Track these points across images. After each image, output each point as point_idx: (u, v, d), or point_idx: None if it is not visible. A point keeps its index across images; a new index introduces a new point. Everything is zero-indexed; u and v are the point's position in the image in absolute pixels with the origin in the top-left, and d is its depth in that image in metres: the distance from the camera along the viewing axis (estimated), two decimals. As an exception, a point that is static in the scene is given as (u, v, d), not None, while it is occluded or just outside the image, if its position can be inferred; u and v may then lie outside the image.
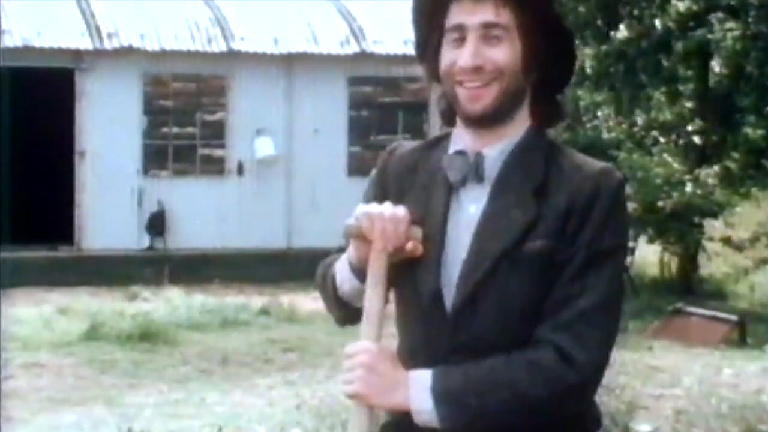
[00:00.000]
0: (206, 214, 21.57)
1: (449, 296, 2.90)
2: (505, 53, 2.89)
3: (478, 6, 2.89)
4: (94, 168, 21.65)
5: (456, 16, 2.91)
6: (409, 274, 2.97)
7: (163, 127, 22.31)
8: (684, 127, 20.15)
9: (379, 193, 3.06)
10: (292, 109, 22.40)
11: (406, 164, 3.06)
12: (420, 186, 3.01)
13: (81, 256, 21.27)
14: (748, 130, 20.11)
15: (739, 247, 20.07)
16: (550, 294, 2.84)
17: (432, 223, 2.94)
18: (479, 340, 2.86)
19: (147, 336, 14.29)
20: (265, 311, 16.80)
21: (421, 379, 2.85)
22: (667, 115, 20.81)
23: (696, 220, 18.99)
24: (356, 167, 22.50)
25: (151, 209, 21.63)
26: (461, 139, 2.97)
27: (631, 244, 20.20)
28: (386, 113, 23.10)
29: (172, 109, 22.44)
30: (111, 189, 21.49)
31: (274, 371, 12.72)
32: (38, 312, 16.16)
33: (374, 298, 2.91)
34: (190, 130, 22.45)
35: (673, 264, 19.42)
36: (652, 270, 19.84)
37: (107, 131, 21.51)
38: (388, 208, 2.91)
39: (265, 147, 22.00)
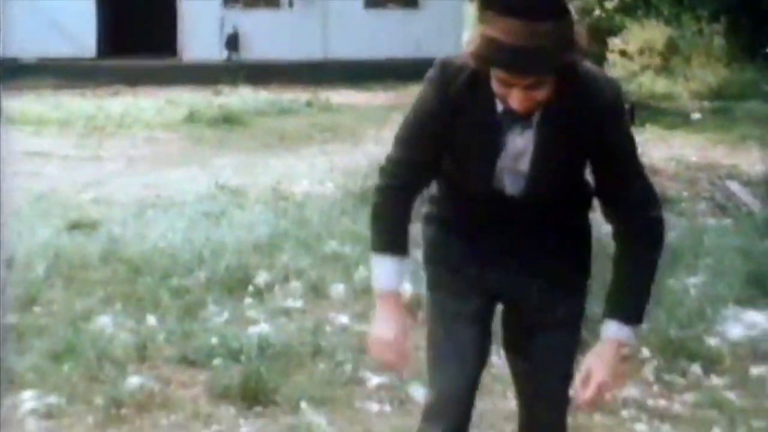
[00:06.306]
0: (268, 34, 21.48)
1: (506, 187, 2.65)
2: (546, 90, 2.48)
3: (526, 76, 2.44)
4: (190, 4, 21.53)
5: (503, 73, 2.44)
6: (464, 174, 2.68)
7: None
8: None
9: (439, 108, 2.61)
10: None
11: (460, 94, 2.58)
12: (472, 120, 2.59)
13: (182, 64, 21.30)
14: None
15: (631, 57, 20.00)
16: (610, 178, 2.62)
17: (487, 149, 2.61)
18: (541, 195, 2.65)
19: (228, 120, 14.40)
20: (309, 103, 16.87)
21: (617, 329, 2.65)
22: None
23: (602, 37, 18.81)
24: (372, 1, 22.25)
25: (228, 31, 21.57)
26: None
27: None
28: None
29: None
30: (202, 18, 21.40)
31: (315, 144, 12.81)
32: (154, 103, 16.28)
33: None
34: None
35: (588, 70, 19.35)
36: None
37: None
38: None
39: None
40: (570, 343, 2.85)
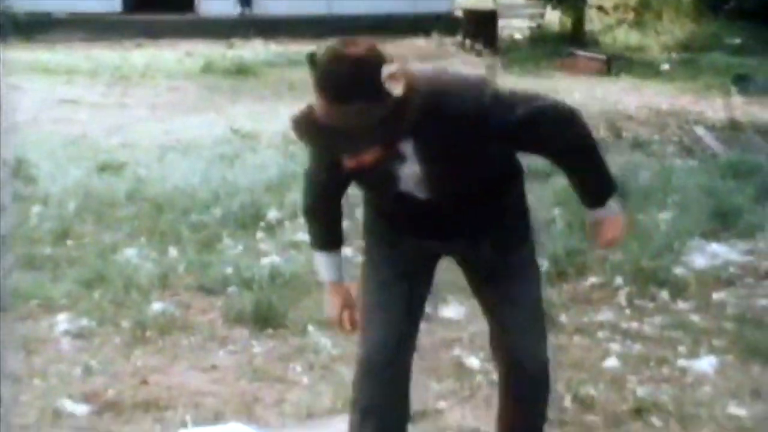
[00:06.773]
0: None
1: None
2: (372, 153, 2.33)
3: None
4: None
5: None
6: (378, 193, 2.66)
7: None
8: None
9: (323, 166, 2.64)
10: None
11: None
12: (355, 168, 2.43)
13: (200, 19, 21.11)
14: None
15: (607, 12, 19.84)
16: (530, 142, 2.50)
17: (381, 185, 2.55)
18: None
19: (241, 70, 14.30)
20: (314, 55, 16.70)
21: (603, 211, 2.63)
22: None
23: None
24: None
25: (242, -11, 21.30)
26: None
27: (540, 10, 19.90)
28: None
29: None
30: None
31: (320, 92, 12.78)
32: (174, 54, 16.18)
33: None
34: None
35: (568, 23, 19.13)
36: (555, 27, 19.58)
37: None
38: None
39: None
40: (531, 279, 2.75)
